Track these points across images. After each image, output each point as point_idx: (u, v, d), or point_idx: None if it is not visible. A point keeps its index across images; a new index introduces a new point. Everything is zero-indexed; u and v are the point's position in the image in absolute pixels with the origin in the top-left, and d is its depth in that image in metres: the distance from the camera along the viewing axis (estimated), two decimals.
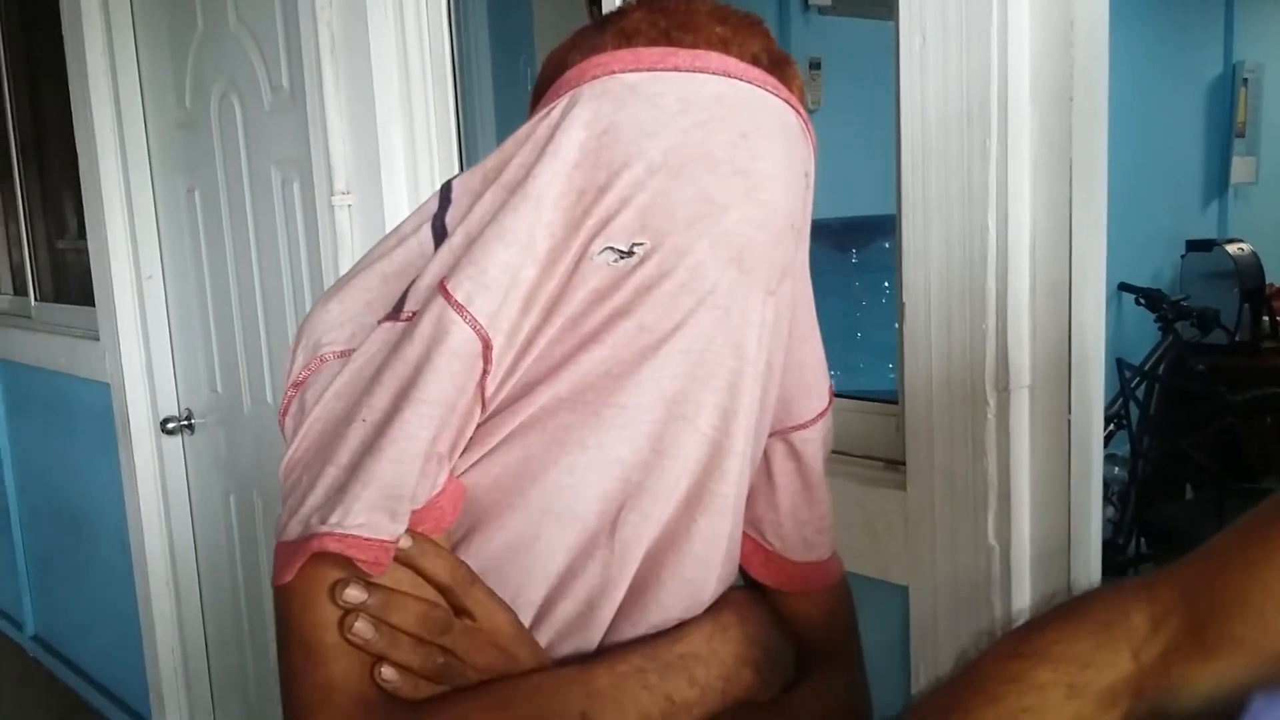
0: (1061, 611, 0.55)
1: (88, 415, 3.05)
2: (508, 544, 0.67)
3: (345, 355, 0.67)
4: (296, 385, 0.69)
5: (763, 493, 0.78)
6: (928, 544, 1.19)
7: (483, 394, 0.65)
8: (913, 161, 1.14)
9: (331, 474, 0.63)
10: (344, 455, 0.63)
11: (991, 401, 1.11)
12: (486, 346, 0.63)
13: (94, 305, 2.91)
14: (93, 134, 2.70)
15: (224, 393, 2.61)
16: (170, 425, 2.73)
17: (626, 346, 0.65)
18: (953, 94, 1.09)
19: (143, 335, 2.75)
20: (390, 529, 0.62)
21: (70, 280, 3.50)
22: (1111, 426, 3.26)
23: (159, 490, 2.82)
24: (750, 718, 0.72)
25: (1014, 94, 1.05)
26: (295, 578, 0.63)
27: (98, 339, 2.87)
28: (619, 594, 0.68)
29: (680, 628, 0.70)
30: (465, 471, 0.66)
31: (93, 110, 2.69)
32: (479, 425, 0.66)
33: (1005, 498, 1.12)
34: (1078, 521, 1.12)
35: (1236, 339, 3.73)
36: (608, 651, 0.68)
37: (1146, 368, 3.41)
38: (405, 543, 0.63)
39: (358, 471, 0.62)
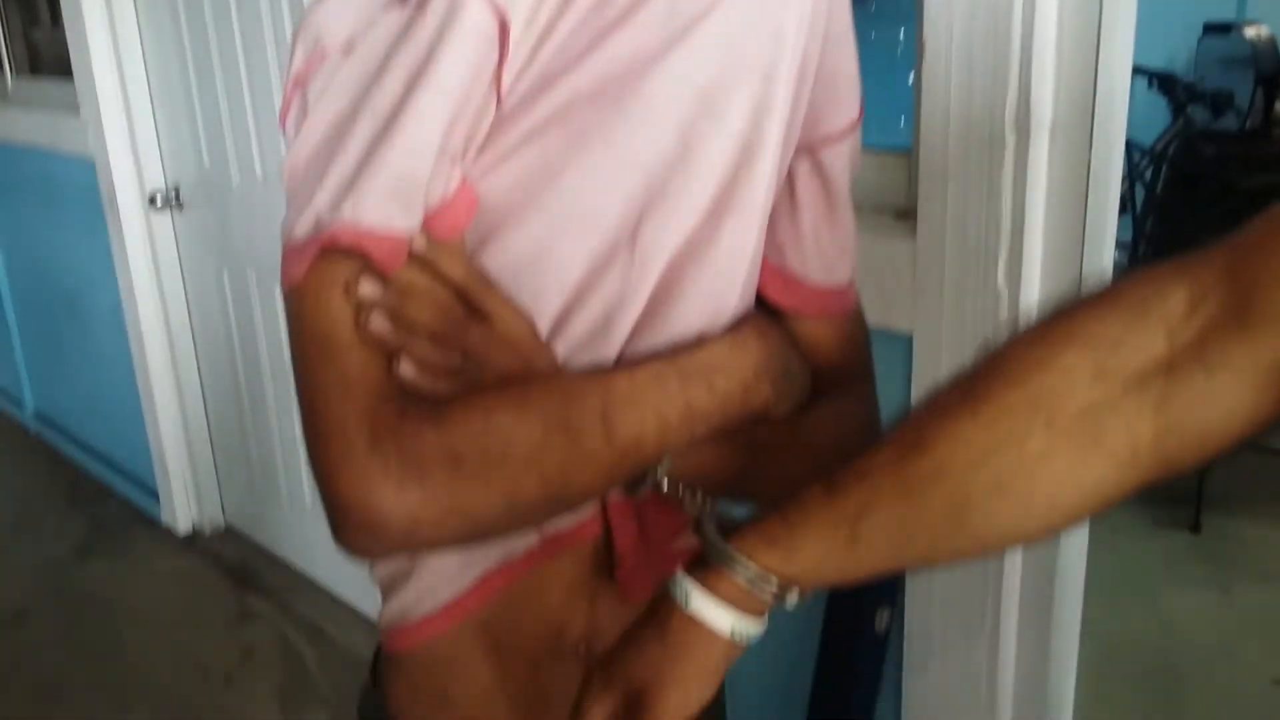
0: (1093, 297, 0.54)
1: (74, 193, 2.99)
2: (524, 252, 0.64)
3: (350, 48, 0.62)
4: (297, 82, 0.64)
5: (784, 212, 0.75)
6: (935, 291, 1.18)
7: (498, 85, 0.61)
8: None
9: (339, 168, 0.60)
10: (352, 148, 0.60)
11: (1010, 142, 1.08)
12: (504, 29, 0.58)
13: (69, 78, 2.81)
14: None
15: (211, 167, 2.55)
16: (158, 200, 2.68)
17: (655, 31, 0.60)
18: None
19: (124, 107, 2.67)
20: (404, 222, 0.59)
21: (46, 53, 3.37)
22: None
23: (151, 268, 2.80)
24: (766, 433, 0.72)
25: None
26: (305, 277, 0.60)
27: (78, 114, 2.78)
28: (638, 306, 0.66)
29: (699, 340, 0.69)
30: (480, 177, 0.63)
31: None
32: (494, 125, 0.63)
33: (1018, 243, 1.10)
34: (1090, 268, 1.11)
35: (1248, 125, 3.65)
36: (627, 360, 0.67)
37: (1156, 149, 3.35)
38: (419, 243, 0.61)
39: (368, 162, 0.59)
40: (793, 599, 0.59)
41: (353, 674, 2.44)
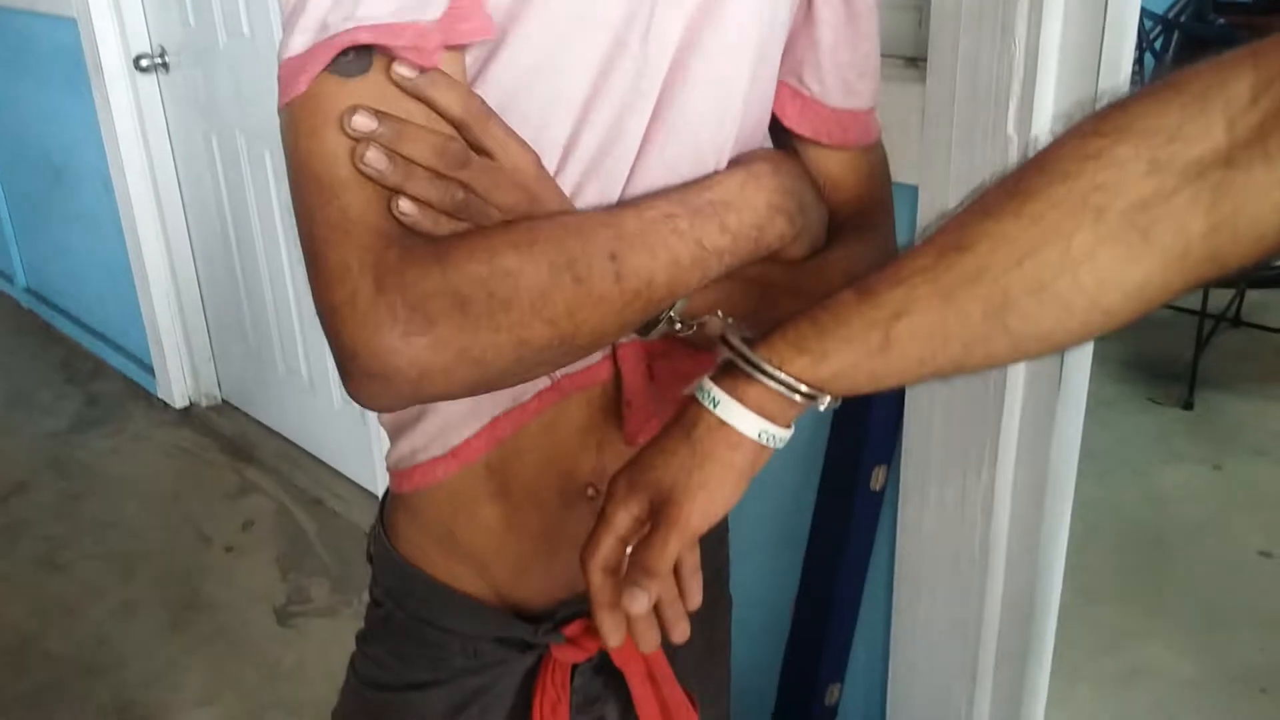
0: (1150, 88, 0.50)
1: (56, 55, 2.91)
2: (530, 64, 0.61)
3: None
4: None
5: (802, 30, 0.72)
6: (943, 140, 1.15)
7: None
8: None
9: None
10: None
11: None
12: None
13: None
14: None
15: (197, 26, 2.47)
16: (144, 63, 2.60)
17: None
18: None
19: None
20: (425, 14, 0.56)
21: None
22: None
23: (138, 133, 2.74)
24: (781, 272, 0.70)
25: None
26: (301, 104, 0.57)
27: None
28: (648, 105, 0.64)
29: (710, 177, 0.67)
30: None
31: None
32: None
33: (1030, 89, 1.07)
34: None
35: None
36: (635, 199, 0.65)
37: (1168, 18, 3.27)
38: (416, 77, 0.57)
39: None
40: (821, 405, 0.57)
41: (352, 544, 2.48)
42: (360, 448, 2.48)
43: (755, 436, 0.57)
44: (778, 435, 0.58)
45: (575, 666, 0.82)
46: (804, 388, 0.56)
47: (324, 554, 2.48)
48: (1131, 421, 2.90)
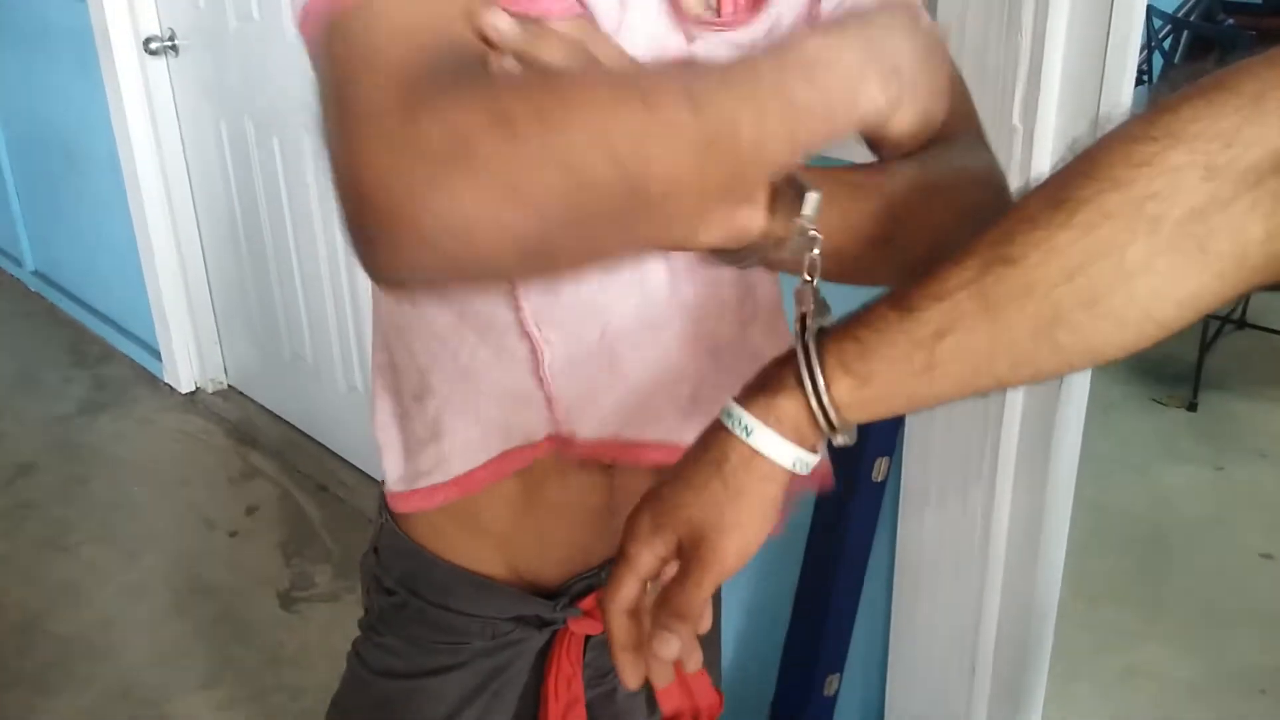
0: (1201, 89, 0.49)
1: (66, 36, 2.91)
2: None
3: None
4: None
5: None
6: None
7: None
8: None
9: None
10: None
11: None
12: None
13: None
14: None
15: (207, 9, 2.48)
16: (153, 45, 2.61)
17: None
18: None
19: None
20: None
21: None
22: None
23: (148, 116, 2.75)
24: (903, 183, 0.61)
25: None
26: None
27: None
28: None
29: (791, 35, 0.61)
30: None
31: None
32: None
33: (1035, 78, 1.07)
34: (1108, 106, 1.08)
35: None
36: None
37: (1176, 17, 3.27)
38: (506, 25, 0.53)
39: None
40: (844, 439, 0.54)
41: (356, 530, 2.49)
42: (365, 434, 2.48)
43: (790, 466, 0.54)
44: (809, 462, 0.55)
45: (588, 639, 0.82)
46: (841, 413, 0.53)
47: (328, 539, 2.49)
48: (1134, 422, 2.90)
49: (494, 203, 0.45)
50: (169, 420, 3.01)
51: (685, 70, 0.53)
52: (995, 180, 0.66)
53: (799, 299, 0.56)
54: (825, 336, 0.53)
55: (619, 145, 0.47)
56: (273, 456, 2.81)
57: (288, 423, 2.85)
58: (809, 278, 0.56)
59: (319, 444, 2.74)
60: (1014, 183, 1.09)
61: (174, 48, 2.63)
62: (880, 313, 0.52)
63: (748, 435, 0.54)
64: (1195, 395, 2.94)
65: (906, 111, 0.59)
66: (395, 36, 0.48)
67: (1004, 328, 0.50)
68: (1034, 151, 1.09)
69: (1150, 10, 3.14)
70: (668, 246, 0.57)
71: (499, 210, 0.46)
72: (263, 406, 2.95)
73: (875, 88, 0.56)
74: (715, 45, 0.64)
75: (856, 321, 0.53)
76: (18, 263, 3.89)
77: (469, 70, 0.49)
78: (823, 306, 0.56)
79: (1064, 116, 1.09)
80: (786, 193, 0.56)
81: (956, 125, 0.65)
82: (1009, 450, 1.26)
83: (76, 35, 2.80)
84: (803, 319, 0.55)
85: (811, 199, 0.55)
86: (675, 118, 0.48)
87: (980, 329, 0.51)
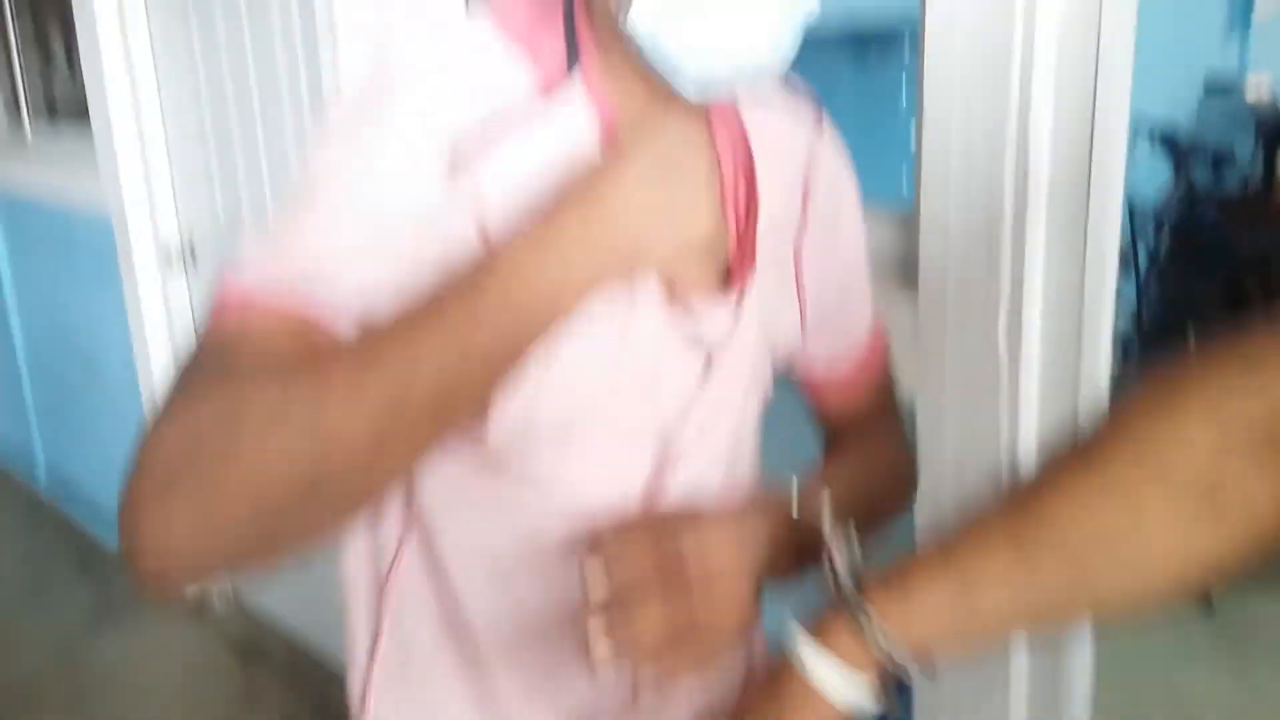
0: (1222, 356, 0.53)
1: (89, 247, 3.03)
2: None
3: None
4: None
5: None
6: (937, 354, 1.19)
7: None
8: None
9: None
10: None
11: (1009, 203, 1.09)
12: None
13: (86, 132, 2.85)
14: None
15: (227, 223, 2.58)
16: (173, 257, 2.71)
17: None
18: None
19: (142, 163, 2.70)
20: None
21: (65, 105, 3.43)
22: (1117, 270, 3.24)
23: (166, 326, 2.82)
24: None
25: None
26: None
27: (96, 169, 2.83)
28: None
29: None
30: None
31: None
32: None
33: (1017, 303, 1.12)
34: (1089, 331, 1.12)
35: (1250, 186, 3.67)
36: None
37: (1156, 211, 3.37)
38: None
39: None
40: (909, 672, 0.56)
41: None
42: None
43: (844, 703, 0.56)
44: (864, 703, 0.57)
45: None
46: (898, 643, 0.55)
47: None
48: (1149, 625, 2.82)
49: (190, 530, 0.51)
50: (174, 635, 2.97)
51: (372, 331, 0.55)
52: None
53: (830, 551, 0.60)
54: (864, 582, 0.57)
55: (291, 444, 0.50)
56: (277, 674, 2.75)
57: (293, 636, 2.80)
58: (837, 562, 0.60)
59: (325, 657, 2.69)
60: (1002, 414, 1.11)
61: (194, 258, 2.72)
62: (926, 558, 0.56)
63: (804, 668, 0.56)
64: (1211, 596, 2.86)
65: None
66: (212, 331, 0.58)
67: (1036, 574, 0.54)
68: (1020, 377, 1.12)
69: (1132, 204, 3.25)
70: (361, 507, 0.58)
71: (196, 537, 0.51)
72: (268, 619, 2.91)
73: (587, 282, 0.57)
74: (722, 319, 0.71)
75: (904, 564, 0.56)
76: (31, 471, 3.91)
77: (204, 376, 0.56)
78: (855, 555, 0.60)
79: (1048, 339, 1.12)
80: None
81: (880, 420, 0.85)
82: (1020, 678, 1.24)
83: (98, 247, 2.91)
84: (830, 561, 0.59)
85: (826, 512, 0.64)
86: (345, 396, 0.51)
87: (1014, 573, 0.54)
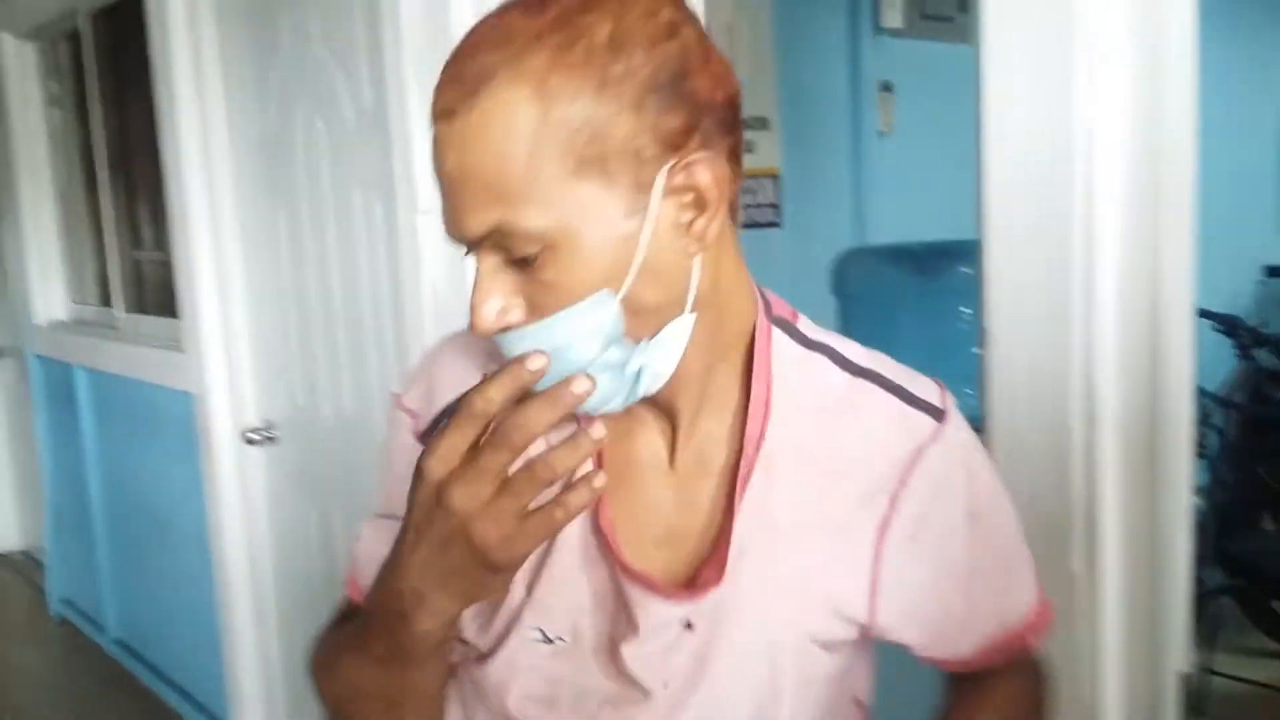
0: None
1: (171, 423, 3.14)
2: None
3: None
4: None
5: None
6: None
7: None
8: (998, 189, 1.14)
9: None
10: None
11: (1078, 432, 1.11)
12: None
13: (177, 316, 3.01)
14: (178, 150, 2.79)
15: (305, 406, 2.67)
16: (252, 436, 2.79)
17: None
18: (1039, 120, 1.09)
19: (226, 347, 2.83)
20: None
21: (153, 291, 3.61)
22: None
23: (240, 499, 2.89)
24: None
25: (1102, 120, 1.06)
26: None
27: (182, 350, 2.96)
28: None
29: None
30: None
31: (178, 126, 2.78)
32: None
33: (1091, 526, 1.12)
34: (1167, 550, 1.12)
35: None
36: None
37: (1224, 395, 3.35)
38: None
39: None
40: None
41: None
42: None
43: None
44: None
45: None
46: None
47: None
48: None
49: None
50: None
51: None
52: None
53: None
54: None
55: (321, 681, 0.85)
56: None
57: None
58: None
59: None
60: (1080, 634, 1.10)
61: (271, 438, 2.81)
62: None
63: None
64: None
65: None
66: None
67: None
68: (1096, 597, 1.12)
69: (1199, 390, 3.23)
70: None
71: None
72: None
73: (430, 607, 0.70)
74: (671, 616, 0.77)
75: None
76: (100, 628, 3.96)
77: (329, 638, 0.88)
78: None
79: (1124, 561, 1.12)
80: None
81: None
82: None
83: (181, 421, 3.02)
84: None
85: None
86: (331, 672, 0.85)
87: None
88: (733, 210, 0.73)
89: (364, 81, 2.18)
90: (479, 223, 0.67)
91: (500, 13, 0.68)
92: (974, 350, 1.28)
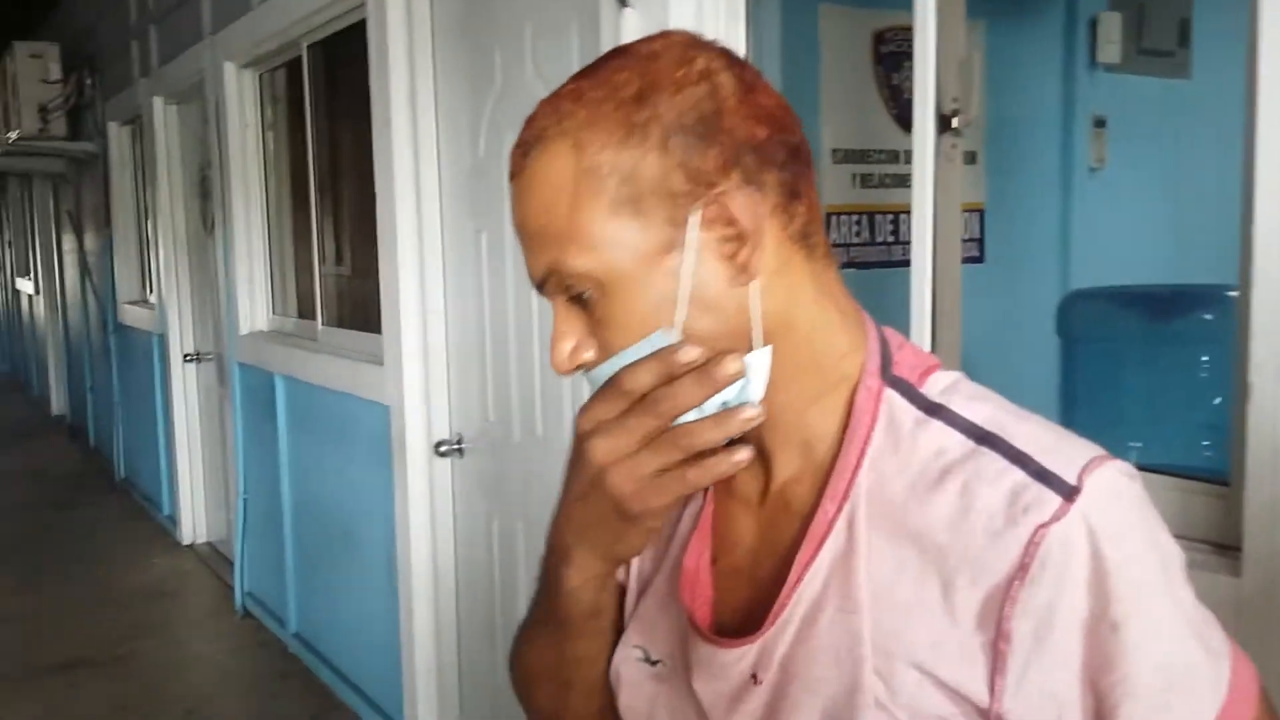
0: None
1: (364, 433, 3.27)
2: None
3: None
4: None
5: None
6: (1264, 637, 1.12)
7: None
8: (1268, 233, 1.09)
9: None
10: None
11: None
12: None
13: (372, 331, 3.14)
14: (390, 172, 2.92)
15: (495, 421, 2.75)
16: (443, 448, 2.89)
17: None
18: None
19: (423, 362, 2.94)
20: None
21: (351, 308, 3.78)
22: None
23: (428, 508, 2.99)
24: None
25: None
26: None
27: (379, 363, 3.08)
28: None
29: None
30: None
31: (392, 153, 2.91)
32: None
33: None
34: None
35: None
36: None
37: None
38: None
39: None
40: None
41: None
42: None
43: None
44: None
45: None
46: None
47: None
48: None
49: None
50: None
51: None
52: None
53: None
54: None
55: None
56: None
57: None
58: None
59: None
60: None
61: (460, 451, 2.90)
62: None
63: None
64: None
65: None
66: None
67: None
68: None
69: None
70: None
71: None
72: None
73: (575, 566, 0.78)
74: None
75: None
76: (282, 623, 4.16)
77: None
78: None
79: None
80: None
81: None
82: None
83: (376, 434, 3.15)
84: None
85: None
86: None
87: None
88: (808, 243, 0.74)
89: None
90: (538, 266, 0.75)
91: (566, 83, 0.76)
92: (1215, 401, 1.23)
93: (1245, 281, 1.13)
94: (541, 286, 0.76)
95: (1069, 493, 0.67)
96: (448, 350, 2.94)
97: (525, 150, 0.74)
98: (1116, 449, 0.73)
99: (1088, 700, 0.67)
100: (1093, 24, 3.11)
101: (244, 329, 4.33)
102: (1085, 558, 0.66)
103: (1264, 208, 1.10)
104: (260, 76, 4.30)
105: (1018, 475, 0.68)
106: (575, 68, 0.77)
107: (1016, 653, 0.67)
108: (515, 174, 0.75)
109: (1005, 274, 2.86)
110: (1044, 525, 0.66)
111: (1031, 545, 0.66)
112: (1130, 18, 3.17)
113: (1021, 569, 0.66)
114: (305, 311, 4.06)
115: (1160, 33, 3.27)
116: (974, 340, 1.60)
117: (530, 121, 0.75)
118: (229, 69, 4.26)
